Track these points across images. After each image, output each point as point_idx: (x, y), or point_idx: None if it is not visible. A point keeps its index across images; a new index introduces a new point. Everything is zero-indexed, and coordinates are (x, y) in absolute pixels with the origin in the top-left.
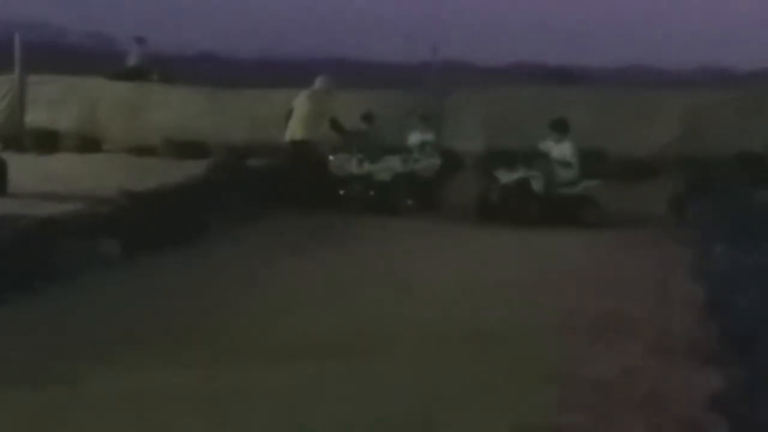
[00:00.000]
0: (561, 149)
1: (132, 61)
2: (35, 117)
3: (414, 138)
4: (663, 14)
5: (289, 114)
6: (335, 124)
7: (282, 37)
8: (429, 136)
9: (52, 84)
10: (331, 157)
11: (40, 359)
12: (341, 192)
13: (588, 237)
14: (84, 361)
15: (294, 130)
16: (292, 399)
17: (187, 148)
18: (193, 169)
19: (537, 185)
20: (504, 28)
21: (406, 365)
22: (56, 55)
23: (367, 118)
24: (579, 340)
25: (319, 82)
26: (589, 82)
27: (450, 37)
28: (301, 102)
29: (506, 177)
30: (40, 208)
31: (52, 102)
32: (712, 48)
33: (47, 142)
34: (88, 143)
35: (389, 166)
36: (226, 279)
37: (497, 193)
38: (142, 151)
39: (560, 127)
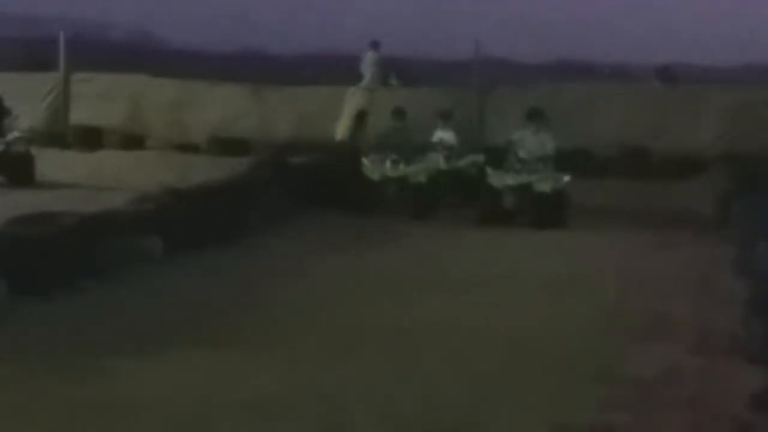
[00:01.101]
0: (541, 141)
1: (366, 67)
2: (79, 114)
3: (435, 136)
4: (707, 12)
5: (359, 117)
6: (359, 120)
7: (325, 32)
8: (447, 135)
9: (96, 81)
10: (364, 160)
11: (83, 355)
12: (376, 196)
13: (630, 236)
14: (126, 357)
15: (343, 130)
16: (337, 397)
17: (230, 146)
18: (237, 166)
19: (545, 186)
20: (545, 25)
21: (451, 364)
22: (100, 53)
23: (398, 113)
24: (622, 339)
25: (368, 77)
26: (633, 79)
27: (492, 33)
28: (350, 100)
29: (503, 180)
30: (84, 205)
31: (97, 99)
32: (759, 46)
33: (91, 139)
34: (132, 140)
35: (426, 166)
36: (269, 277)
37: (510, 199)
38: (186, 148)
39: (537, 117)
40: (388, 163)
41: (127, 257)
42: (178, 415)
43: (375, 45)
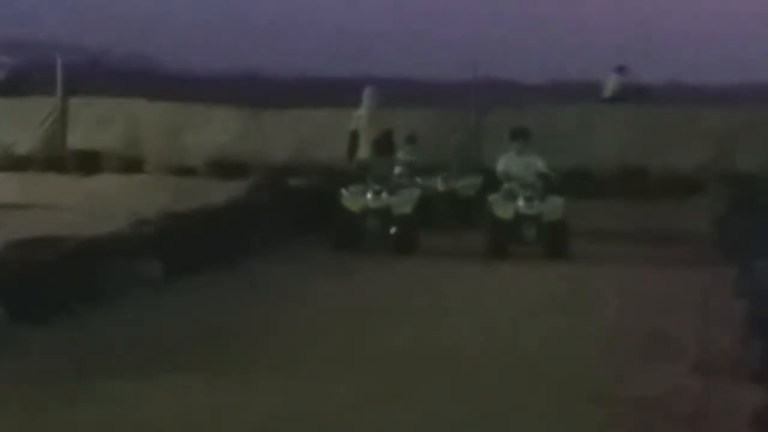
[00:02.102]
0: (527, 164)
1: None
2: (77, 138)
3: (403, 156)
4: (701, 31)
5: (353, 137)
6: (388, 140)
7: (321, 56)
8: (410, 157)
9: (94, 105)
10: (344, 191)
11: (82, 380)
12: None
13: (627, 256)
14: (125, 381)
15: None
16: (332, 418)
17: (228, 169)
18: (235, 190)
19: (555, 214)
20: (541, 45)
21: (448, 387)
22: (98, 77)
23: (411, 141)
24: (621, 360)
25: (370, 97)
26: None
27: (490, 54)
28: (365, 122)
29: (509, 209)
30: (82, 229)
31: (94, 123)
32: (753, 65)
33: (89, 163)
34: (130, 164)
35: (411, 196)
36: (267, 302)
37: (530, 231)
38: (184, 171)
39: (521, 135)
40: (369, 194)
41: (126, 281)
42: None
43: (621, 69)
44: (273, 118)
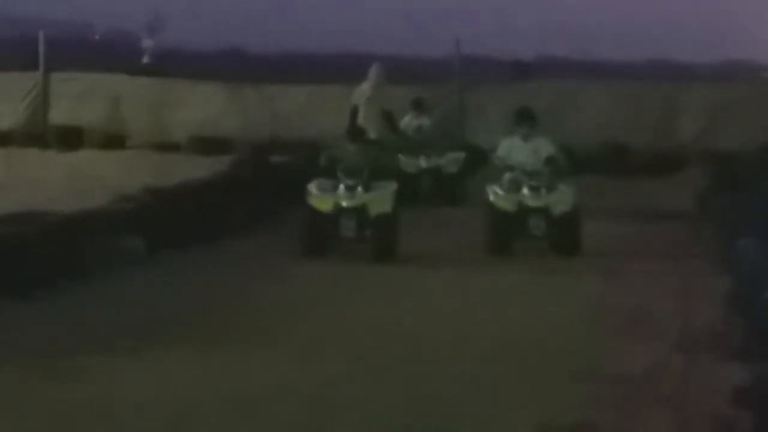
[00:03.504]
0: (535, 149)
1: None
2: (59, 114)
3: (411, 122)
4: (684, 10)
5: (354, 111)
6: (389, 119)
7: (303, 32)
8: (424, 120)
9: (76, 81)
10: (310, 187)
11: (65, 355)
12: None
13: (609, 232)
14: (108, 357)
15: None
16: (314, 397)
17: (210, 145)
18: (217, 165)
19: (564, 206)
20: (523, 23)
21: (430, 365)
22: (80, 52)
23: (418, 104)
24: (605, 337)
25: (375, 73)
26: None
27: (472, 31)
28: (366, 98)
29: (512, 201)
30: (64, 205)
31: (76, 99)
32: (734, 43)
33: (71, 138)
34: (112, 140)
35: (390, 191)
36: (250, 277)
37: (540, 223)
38: (166, 147)
39: (527, 118)
40: (341, 189)
41: (109, 257)
42: (161, 414)
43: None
44: (256, 94)
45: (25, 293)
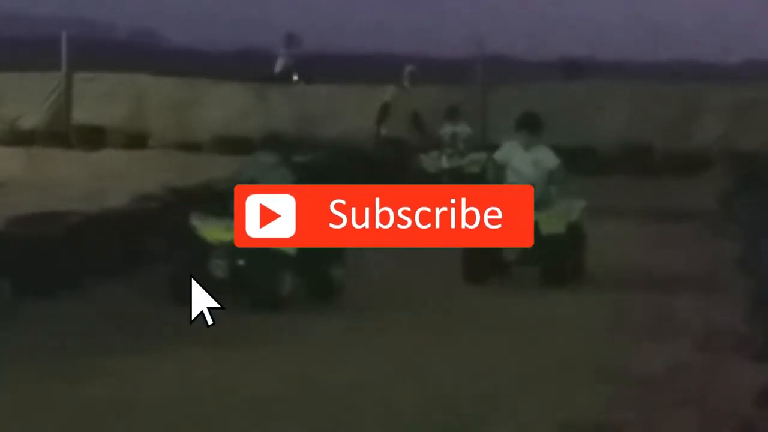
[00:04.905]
0: (535, 161)
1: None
2: (82, 114)
3: (446, 129)
4: (707, 9)
5: (384, 108)
6: (417, 121)
7: (327, 32)
8: (461, 128)
9: (99, 81)
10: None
11: (87, 355)
12: None
13: (634, 233)
14: (129, 356)
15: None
16: (340, 396)
17: (234, 144)
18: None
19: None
20: (548, 23)
21: (455, 358)
22: (103, 52)
23: (453, 113)
24: (627, 337)
25: (407, 75)
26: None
27: (495, 31)
28: (395, 99)
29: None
30: (87, 205)
31: (99, 99)
32: (758, 43)
33: (94, 138)
34: (135, 140)
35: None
36: None
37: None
38: (189, 147)
39: (532, 124)
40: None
41: (132, 257)
42: (180, 413)
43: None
44: (279, 94)
45: (48, 291)
